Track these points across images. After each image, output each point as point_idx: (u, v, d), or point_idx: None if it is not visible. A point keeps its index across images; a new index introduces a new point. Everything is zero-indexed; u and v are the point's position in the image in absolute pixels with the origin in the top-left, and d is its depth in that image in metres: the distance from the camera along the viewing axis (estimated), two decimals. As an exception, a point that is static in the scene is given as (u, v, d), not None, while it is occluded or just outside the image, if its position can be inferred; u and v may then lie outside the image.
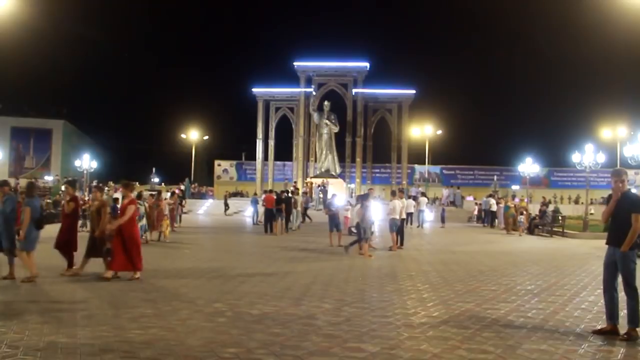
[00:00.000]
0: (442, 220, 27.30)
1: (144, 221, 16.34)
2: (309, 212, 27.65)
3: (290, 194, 22.15)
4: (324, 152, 39.87)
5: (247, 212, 28.79)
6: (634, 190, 7.08)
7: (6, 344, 5.26)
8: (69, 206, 9.93)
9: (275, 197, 20.84)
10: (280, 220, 19.99)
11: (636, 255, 6.11)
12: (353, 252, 13.39)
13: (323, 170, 39.36)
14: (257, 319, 6.51)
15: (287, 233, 20.15)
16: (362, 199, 14.77)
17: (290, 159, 45.70)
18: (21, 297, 7.64)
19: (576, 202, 44.07)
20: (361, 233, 13.52)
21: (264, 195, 22.84)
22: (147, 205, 17.12)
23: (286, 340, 5.63)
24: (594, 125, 45.45)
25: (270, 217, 20.49)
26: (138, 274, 9.19)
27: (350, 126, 42.92)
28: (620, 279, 6.13)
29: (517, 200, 27.81)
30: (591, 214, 24.95)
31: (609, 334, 6.02)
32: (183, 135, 49.06)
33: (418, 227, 24.85)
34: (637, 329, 5.88)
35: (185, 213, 25.73)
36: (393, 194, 16.21)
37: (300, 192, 26.86)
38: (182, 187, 35.44)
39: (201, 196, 37.94)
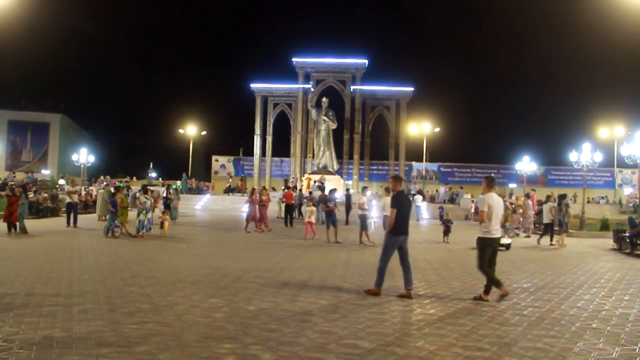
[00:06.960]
0: (440, 217, 27.37)
1: (150, 215, 16.32)
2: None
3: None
4: (322, 148, 39.82)
5: (245, 207, 28.75)
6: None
7: (2, 338, 5.25)
8: None
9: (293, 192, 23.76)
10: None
11: (391, 239, 7.84)
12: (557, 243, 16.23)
13: (320, 166, 39.33)
14: (253, 315, 6.51)
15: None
16: (561, 198, 17.19)
17: (287, 155, 45.66)
18: (16, 290, 7.61)
19: (573, 200, 44.14)
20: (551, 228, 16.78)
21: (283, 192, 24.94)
22: (153, 200, 17.17)
23: (282, 336, 5.63)
24: (591, 124, 45.63)
25: (290, 211, 22.09)
26: None
27: (348, 123, 42.85)
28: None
29: (513, 198, 27.83)
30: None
31: (406, 297, 7.66)
32: (181, 131, 48.98)
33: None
34: (409, 290, 7.78)
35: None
36: (387, 190, 16.08)
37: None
38: (179, 182, 35.39)
39: (199, 191, 37.89)
